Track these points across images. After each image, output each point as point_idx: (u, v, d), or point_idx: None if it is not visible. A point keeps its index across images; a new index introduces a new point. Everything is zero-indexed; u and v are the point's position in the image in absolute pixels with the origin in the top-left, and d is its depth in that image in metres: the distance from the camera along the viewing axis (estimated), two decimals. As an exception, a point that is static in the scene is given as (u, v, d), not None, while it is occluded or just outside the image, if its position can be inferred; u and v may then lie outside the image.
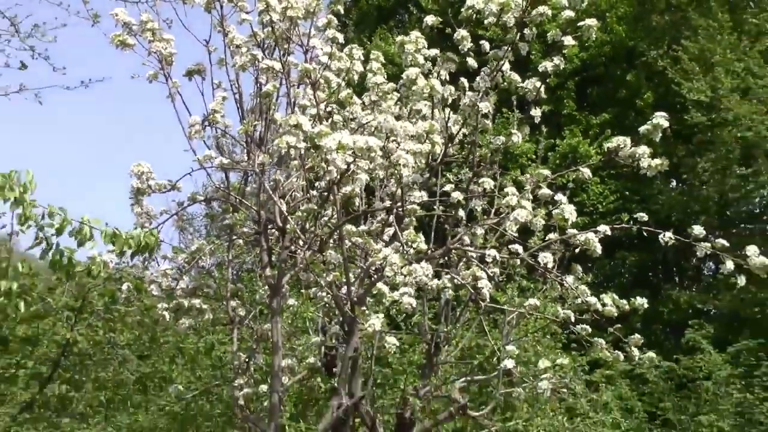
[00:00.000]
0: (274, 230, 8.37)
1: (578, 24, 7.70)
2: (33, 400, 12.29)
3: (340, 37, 8.30)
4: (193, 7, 8.41)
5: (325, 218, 8.23)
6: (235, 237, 9.15)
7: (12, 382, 12.44)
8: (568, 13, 7.65)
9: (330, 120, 8.05)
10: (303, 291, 8.92)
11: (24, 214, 5.88)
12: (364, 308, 7.74)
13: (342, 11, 8.93)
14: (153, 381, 13.15)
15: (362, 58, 8.27)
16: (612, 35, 24.42)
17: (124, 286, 9.40)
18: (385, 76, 8.33)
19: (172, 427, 13.08)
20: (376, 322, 7.33)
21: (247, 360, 8.87)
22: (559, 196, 8.13)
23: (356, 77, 8.27)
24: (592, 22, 7.65)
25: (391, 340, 7.52)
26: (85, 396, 12.77)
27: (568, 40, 7.75)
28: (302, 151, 7.26)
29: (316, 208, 8.09)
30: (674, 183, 24.36)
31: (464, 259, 8.43)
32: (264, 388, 8.48)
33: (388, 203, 8.38)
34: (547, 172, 8.38)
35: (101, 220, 6.32)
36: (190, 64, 8.44)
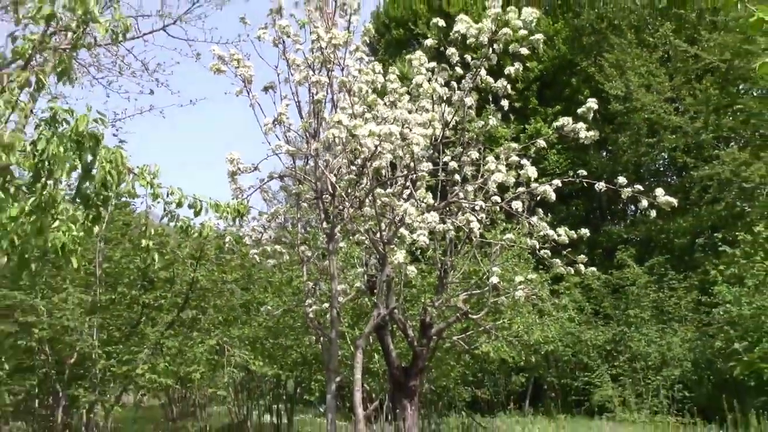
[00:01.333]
0: (327, 196, 8.24)
1: (530, 38, 7.46)
2: (173, 321, 12.28)
3: (367, 59, 8.21)
4: (264, 42, 8.24)
5: (362, 185, 8.03)
6: (301, 201, 8.98)
7: (159, 309, 12.47)
8: (523, 32, 7.42)
9: (363, 116, 7.81)
10: (350, 237, 8.71)
11: (154, 193, 5.74)
12: (392, 246, 7.62)
13: (369, 41, 8.78)
14: (252, 305, 13.07)
15: (382, 72, 8.09)
16: (557, 51, 24.52)
17: (227, 239, 9.32)
18: (400, 84, 8.17)
19: (267, 335, 13.01)
20: (399, 256, 7.16)
21: (314, 287, 8.73)
22: (524, 162, 8.00)
23: (379, 86, 8.07)
24: (539, 36, 7.44)
25: (411, 269, 7.37)
26: (207, 317, 12.72)
27: (524, 50, 7.50)
28: (344, 139, 7.14)
29: (354, 178, 7.95)
30: (603, 153, 24.57)
31: (461, 209, 8.27)
32: (326, 306, 8.30)
33: (405, 172, 8.15)
34: (515, 145, 8.22)
35: (206, 195, 6.21)
36: (265, 83, 8.35)
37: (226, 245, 9.52)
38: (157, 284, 12.42)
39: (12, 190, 4.95)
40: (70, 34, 6.16)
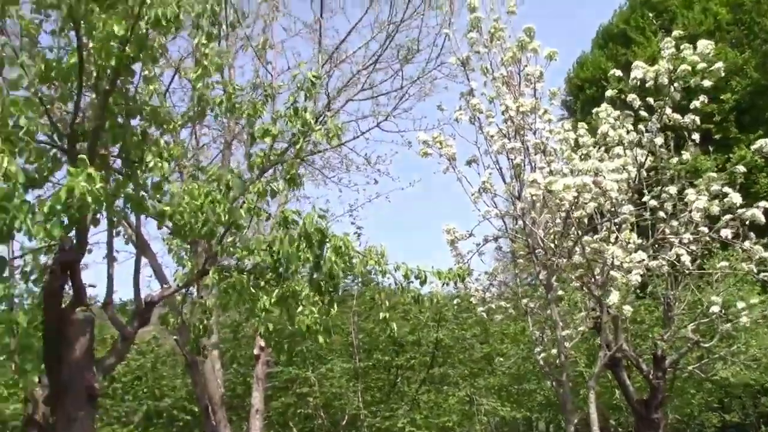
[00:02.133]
0: (540, 250, 8.64)
1: (710, 69, 7.50)
2: (425, 378, 13.19)
3: (556, 120, 8.66)
4: (461, 122, 9.01)
5: (569, 235, 8.36)
6: (516, 258, 9.46)
7: (411, 369, 13.47)
8: (702, 65, 7.48)
9: (561, 172, 8.22)
10: (567, 285, 9.04)
11: (382, 270, 6.60)
12: (609, 289, 7.83)
13: (566, 103, 9.24)
14: (493, 356, 13.64)
15: (572, 128, 8.48)
16: (750, 79, 23.07)
17: (455, 301, 10.05)
18: (590, 137, 8.50)
19: (511, 382, 13.47)
20: (614, 297, 7.39)
21: (541, 335, 9.11)
22: (727, 189, 7.92)
23: (572, 142, 8.46)
24: (719, 64, 7.47)
25: (627, 308, 7.56)
26: (455, 371, 13.45)
27: (707, 83, 7.54)
28: (542, 196, 7.59)
29: (560, 230, 8.31)
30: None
31: (671, 244, 8.31)
32: (555, 351, 8.64)
33: (608, 217, 8.38)
34: (714, 174, 8.14)
35: (428, 266, 6.97)
36: (467, 157, 9.05)
37: (457, 306, 10.24)
38: (407, 347, 13.46)
39: (262, 284, 6.06)
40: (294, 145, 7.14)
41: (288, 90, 6.80)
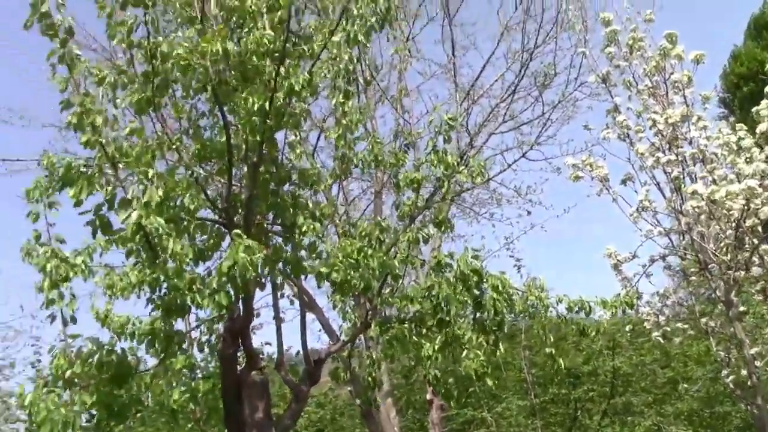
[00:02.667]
0: (713, 265, 8.06)
1: None
2: (606, 409, 12.60)
3: (710, 124, 8.08)
4: (610, 141, 8.65)
5: (745, 246, 7.74)
6: (688, 276, 8.87)
7: (591, 401, 12.91)
8: None
9: (726, 179, 7.65)
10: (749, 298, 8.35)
11: (544, 305, 6.43)
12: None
13: (725, 101, 8.69)
14: (675, 380, 12.81)
15: (730, 131, 7.90)
16: None
17: (627, 328, 9.51)
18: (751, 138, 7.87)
19: (702, 406, 12.56)
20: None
21: (726, 356, 8.44)
22: None
23: (734, 146, 7.87)
24: None
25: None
26: (638, 399, 12.77)
27: None
28: (705, 207, 7.12)
29: (733, 241, 7.71)
30: None
31: None
32: (744, 372, 7.96)
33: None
34: None
35: (592, 296, 6.70)
36: (621, 176, 8.64)
37: (630, 333, 9.71)
38: (583, 379, 12.91)
39: (424, 331, 6.02)
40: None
41: (428, 134, 6.84)
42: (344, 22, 5.30)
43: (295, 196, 6.01)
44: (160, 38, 5.13)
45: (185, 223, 5.18)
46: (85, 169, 4.61)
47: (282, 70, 5.04)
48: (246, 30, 5.32)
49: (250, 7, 5.26)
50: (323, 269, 5.44)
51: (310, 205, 6.15)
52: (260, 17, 5.41)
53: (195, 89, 5.40)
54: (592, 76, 9.10)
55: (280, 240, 5.90)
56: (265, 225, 5.93)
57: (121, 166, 4.70)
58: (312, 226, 5.78)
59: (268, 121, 5.11)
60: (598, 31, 9.41)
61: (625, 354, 12.42)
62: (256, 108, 5.11)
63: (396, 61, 11.34)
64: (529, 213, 13.00)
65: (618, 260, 8.44)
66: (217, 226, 5.71)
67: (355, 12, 5.21)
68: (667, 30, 8.28)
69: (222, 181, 5.78)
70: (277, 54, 5.04)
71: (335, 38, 5.25)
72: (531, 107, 12.58)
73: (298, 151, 6.52)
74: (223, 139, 5.57)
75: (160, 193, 4.60)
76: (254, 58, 5.24)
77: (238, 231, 4.97)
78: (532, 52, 11.83)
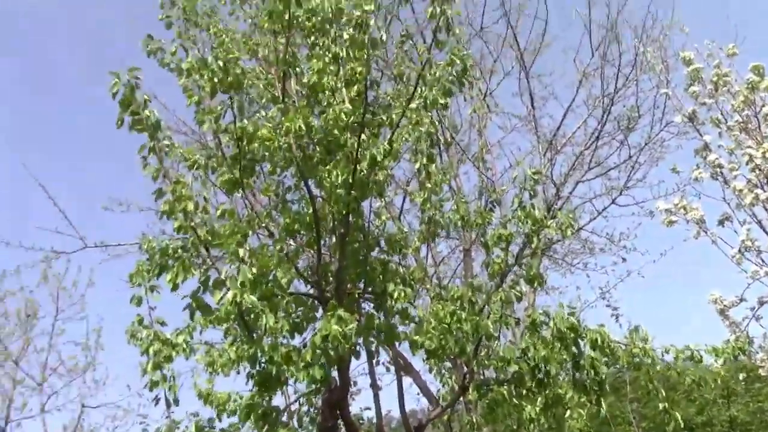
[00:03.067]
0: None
1: None
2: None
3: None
4: (703, 181, 8.35)
5: None
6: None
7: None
8: None
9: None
10: None
11: (652, 359, 6.19)
12: None
13: None
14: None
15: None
16: None
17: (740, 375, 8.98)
18: None
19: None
20: None
21: None
22: None
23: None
24: None
25: None
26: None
27: None
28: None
29: None
30: None
31: None
32: None
33: None
34: None
35: (701, 344, 6.41)
36: (718, 216, 8.30)
37: (744, 380, 9.16)
38: (698, 430, 12.23)
39: (524, 392, 5.83)
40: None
41: (513, 188, 6.77)
42: (421, 88, 5.34)
43: (384, 262, 6.02)
44: (246, 121, 5.31)
45: (278, 298, 5.25)
46: (180, 253, 4.75)
47: (362, 141, 5.11)
48: (326, 105, 5.45)
49: (328, 83, 5.40)
50: (416, 338, 5.39)
51: (400, 270, 6.15)
52: (338, 92, 5.56)
53: (281, 166, 5.54)
54: (678, 116, 8.87)
55: (372, 308, 5.90)
56: (357, 294, 5.93)
57: (213, 247, 4.83)
58: (403, 292, 5.76)
59: (352, 192, 5.17)
60: (680, 69, 9.21)
61: (740, 402, 11.69)
62: (340, 180, 5.19)
63: (475, 119, 11.35)
64: (624, 260, 12.56)
65: (725, 305, 8.03)
66: (309, 299, 5.76)
67: (429, 76, 5.26)
68: (753, 62, 8.02)
69: (311, 253, 5.86)
70: (357, 126, 5.12)
71: (413, 104, 5.31)
72: (617, 152, 12.30)
73: (383, 217, 6.57)
74: (310, 211, 5.67)
75: (254, 270, 4.69)
76: (335, 132, 5.34)
77: (333, 302, 5.00)
78: (613, 96, 11.63)
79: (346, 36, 5.79)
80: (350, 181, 5.10)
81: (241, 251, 4.70)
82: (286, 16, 5.75)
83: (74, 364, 13.19)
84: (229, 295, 4.46)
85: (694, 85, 8.49)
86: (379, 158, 5.00)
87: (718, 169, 8.07)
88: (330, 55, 5.66)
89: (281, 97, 5.50)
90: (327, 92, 5.51)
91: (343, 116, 5.11)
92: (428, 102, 5.28)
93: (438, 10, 4.95)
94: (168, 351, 5.07)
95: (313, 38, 6.13)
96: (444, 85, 5.48)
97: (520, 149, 12.55)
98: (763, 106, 8.01)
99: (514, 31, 12.42)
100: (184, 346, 5.14)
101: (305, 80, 5.74)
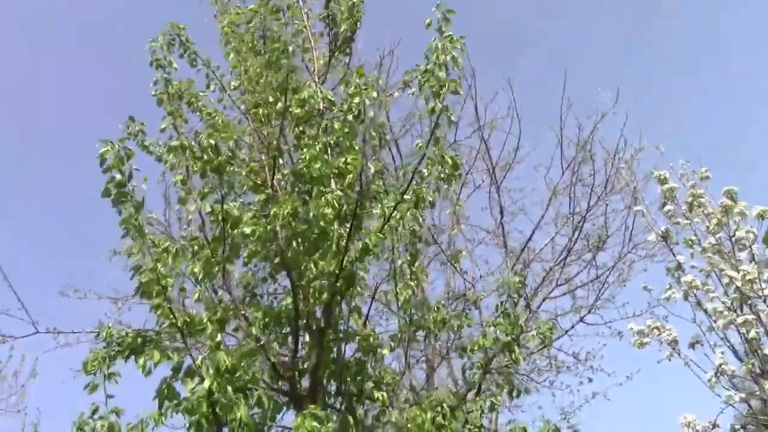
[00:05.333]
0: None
1: None
2: None
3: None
4: (675, 302, 8.45)
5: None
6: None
7: None
8: None
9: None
10: None
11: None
12: None
13: None
14: None
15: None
16: None
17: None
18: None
19: None
20: None
21: None
22: None
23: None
24: None
25: None
26: None
27: None
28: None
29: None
30: None
31: None
32: None
33: None
34: None
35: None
36: (689, 339, 8.34)
37: None
38: None
39: None
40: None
41: (488, 296, 6.77)
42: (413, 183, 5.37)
43: (360, 362, 5.85)
44: (231, 204, 5.24)
45: (250, 391, 5.01)
46: (155, 337, 4.55)
47: (352, 232, 5.06)
48: (315, 193, 5.40)
49: (321, 171, 5.38)
50: (394, 444, 5.19)
51: (374, 372, 5.98)
52: (328, 181, 5.55)
53: (261, 255, 5.43)
54: (652, 234, 9.06)
55: (344, 409, 5.69)
56: (331, 393, 5.73)
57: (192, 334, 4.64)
58: (380, 396, 5.58)
59: (338, 284, 5.07)
60: (651, 189, 9.48)
61: None
62: (326, 271, 5.09)
63: (446, 222, 11.48)
64: (590, 380, 12.45)
65: (697, 430, 7.96)
66: (280, 395, 5.54)
67: (426, 172, 5.30)
68: (726, 186, 8.30)
69: (287, 347, 5.67)
70: (348, 216, 5.09)
71: (407, 196, 5.30)
72: (585, 270, 12.48)
73: (355, 316, 6.44)
74: (285, 304, 5.54)
75: (229, 361, 4.50)
76: (322, 222, 5.28)
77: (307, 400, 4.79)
78: (585, 215, 11.90)
79: (337, 126, 5.87)
80: (337, 272, 5.01)
81: (218, 338, 4.51)
82: (279, 105, 5.83)
83: (4, 463, 12.22)
84: (205, 384, 4.24)
85: (668, 204, 8.72)
86: (371, 247, 4.94)
87: (694, 290, 8.17)
88: (320, 145, 5.69)
89: (270, 184, 5.46)
90: (316, 181, 5.49)
91: (336, 205, 5.06)
92: (419, 197, 5.30)
93: (440, 106, 5.04)
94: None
95: (301, 127, 6.20)
96: (435, 183, 5.53)
97: (488, 263, 12.61)
98: (737, 230, 8.24)
99: (486, 145, 12.78)
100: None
101: (293, 168, 5.74)
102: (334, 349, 5.77)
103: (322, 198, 5.17)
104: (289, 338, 5.65)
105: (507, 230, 12.59)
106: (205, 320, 4.66)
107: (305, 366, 5.60)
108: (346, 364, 5.77)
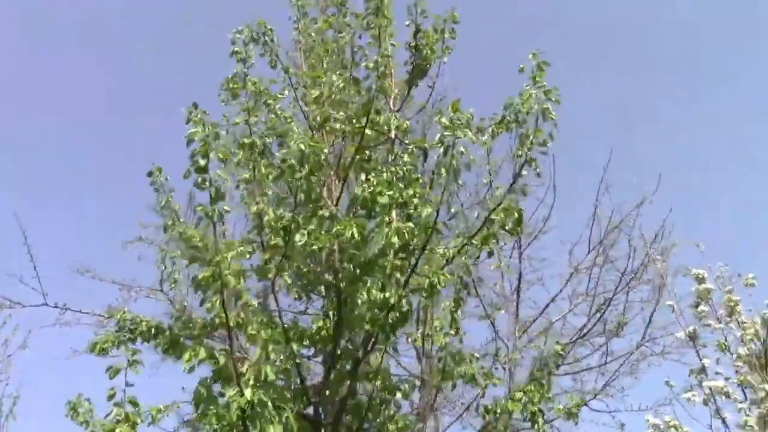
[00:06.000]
0: None
1: None
2: None
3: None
4: (694, 405, 8.25)
5: None
6: None
7: None
8: None
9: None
10: None
11: None
12: None
13: None
14: None
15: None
16: None
17: None
18: None
19: None
20: None
21: None
22: None
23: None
24: None
25: None
26: None
27: None
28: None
29: None
30: None
31: None
32: None
33: None
34: None
35: None
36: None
37: None
38: None
39: None
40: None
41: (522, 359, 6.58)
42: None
43: (384, 401, 5.66)
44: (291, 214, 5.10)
45: (281, 409, 4.81)
46: (196, 331, 4.38)
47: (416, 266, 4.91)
48: (378, 221, 5.23)
49: (390, 198, 5.22)
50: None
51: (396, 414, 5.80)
52: (391, 211, 5.39)
53: (312, 274, 5.28)
54: (680, 332, 8.89)
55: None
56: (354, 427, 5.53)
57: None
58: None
59: (389, 316, 4.89)
60: (680, 284, 9.35)
61: None
62: (378, 301, 4.91)
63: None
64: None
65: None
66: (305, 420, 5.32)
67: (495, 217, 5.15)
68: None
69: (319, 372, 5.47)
70: (415, 250, 4.93)
71: (474, 240, 5.14)
72: (594, 353, 12.19)
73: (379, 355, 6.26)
74: (320, 326, 5.37)
75: (272, 372, 4.31)
76: (378, 250, 5.11)
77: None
78: (611, 299, 11.65)
79: (407, 158, 5.76)
80: (391, 305, 4.82)
81: (270, 349, 4.33)
82: (357, 125, 5.73)
83: (-24, 430, 11.75)
84: (247, 394, 4.05)
85: (701, 304, 8.57)
86: (438, 287, 4.78)
87: (721, 396, 7.97)
88: (386, 174, 5.54)
89: (335, 201, 5.32)
90: (381, 209, 5.31)
91: (406, 236, 4.87)
92: (485, 243, 5.15)
93: (527, 154, 4.94)
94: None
95: (369, 151, 6.10)
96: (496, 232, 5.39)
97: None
98: (773, 345, 8.07)
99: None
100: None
101: (359, 192, 5.57)
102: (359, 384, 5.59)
103: (389, 226, 4.97)
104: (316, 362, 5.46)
105: (522, 298, 12.34)
106: (259, 329, 4.45)
107: (332, 394, 5.40)
108: (370, 401, 5.58)
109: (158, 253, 7.99)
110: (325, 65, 6.31)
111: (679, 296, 10.04)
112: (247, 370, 4.18)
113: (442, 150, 4.80)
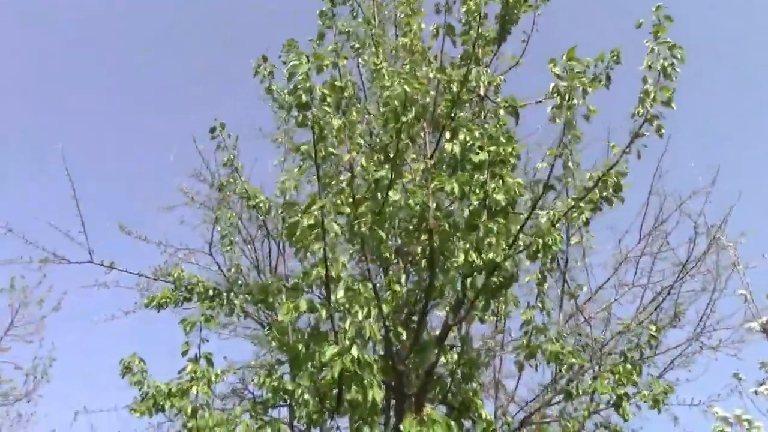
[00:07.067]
0: None
1: None
2: None
3: None
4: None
5: None
6: None
7: None
8: None
9: None
10: None
11: None
12: None
13: None
14: None
15: None
16: None
17: None
18: None
19: None
20: None
21: None
22: None
23: None
24: None
25: None
26: None
27: None
28: None
29: None
30: None
31: None
32: None
33: None
34: None
35: None
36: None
37: None
38: None
39: None
40: None
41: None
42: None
43: (467, 375, 5.31)
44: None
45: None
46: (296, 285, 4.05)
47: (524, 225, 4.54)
48: (475, 179, 4.85)
49: (488, 154, 4.84)
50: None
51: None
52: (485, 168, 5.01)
53: (405, 230, 4.93)
54: (755, 322, 8.54)
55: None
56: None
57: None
58: (486, 415, 5.04)
59: (493, 279, 4.52)
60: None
61: None
62: (475, 263, 4.54)
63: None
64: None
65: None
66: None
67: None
68: None
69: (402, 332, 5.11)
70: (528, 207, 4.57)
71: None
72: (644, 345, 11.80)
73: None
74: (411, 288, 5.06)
75: (377, 330, 3.96)
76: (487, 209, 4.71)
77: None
78: (670, 289, 11.22)
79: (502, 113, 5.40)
80: (496, 267, 4.46)
81: (372, 306, 3.98)
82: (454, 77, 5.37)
83: (9, 389, 11.46)
84: (353, 352, 3.70)
85: (781, 297, 8.22)
86: (554, 247, 4.41)
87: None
88: (480, 131, 5.17)
89: (431, 155, 4.97)
90: (476, 167, 4.93)
91: (513, 193, 4.51)
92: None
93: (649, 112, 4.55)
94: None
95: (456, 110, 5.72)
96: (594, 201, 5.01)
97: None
98: None
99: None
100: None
101: (447, 148, 5.20)
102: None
103: (495, 182, 4.59)
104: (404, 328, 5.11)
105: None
106: (357, 286, 4.09)
107: (417, 363, 5.06)
108: (453, 372, 5.25)
109: (215, 212, 7.72)
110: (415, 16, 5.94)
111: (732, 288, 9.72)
112: (349, 326, 3.82)
113: (558, 99, 4.43)
